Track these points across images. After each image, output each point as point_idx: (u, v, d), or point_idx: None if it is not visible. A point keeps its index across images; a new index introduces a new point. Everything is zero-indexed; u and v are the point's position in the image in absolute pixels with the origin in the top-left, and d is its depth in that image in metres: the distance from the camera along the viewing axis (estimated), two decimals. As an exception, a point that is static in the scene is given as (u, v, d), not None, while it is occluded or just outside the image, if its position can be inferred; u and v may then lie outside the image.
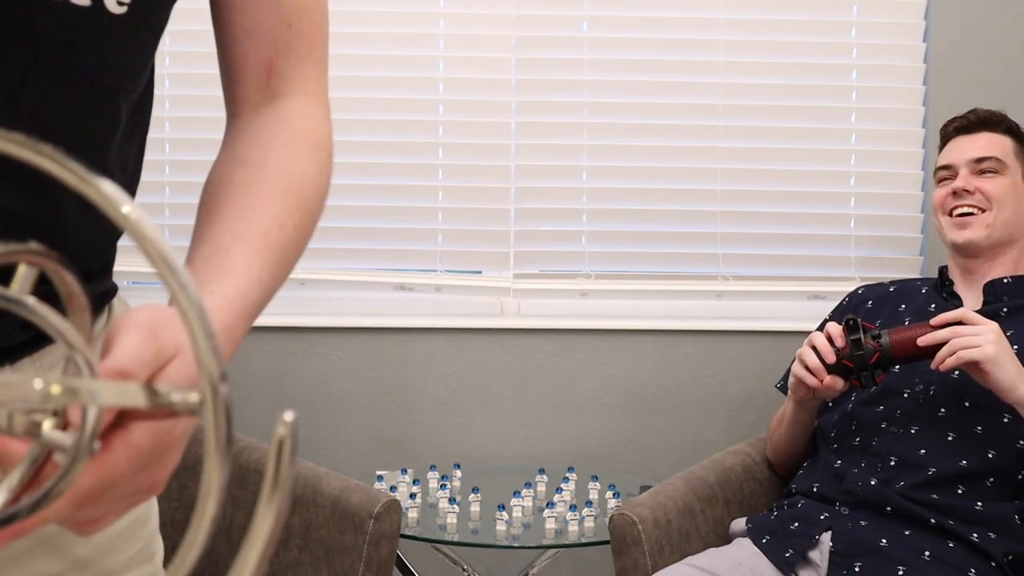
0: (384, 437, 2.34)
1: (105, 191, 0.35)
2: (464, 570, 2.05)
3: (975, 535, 1.64)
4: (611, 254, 2.41)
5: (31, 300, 0.43)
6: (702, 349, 2.35)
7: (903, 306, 1.92)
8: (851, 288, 2.08)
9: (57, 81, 0.64)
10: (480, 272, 2.43)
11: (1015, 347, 1.68)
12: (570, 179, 2.38)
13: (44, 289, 0.44)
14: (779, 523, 1.76)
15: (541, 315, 2.39)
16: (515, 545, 1.87)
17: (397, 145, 2.37)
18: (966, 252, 1.87)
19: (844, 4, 2.39)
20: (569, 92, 2.37)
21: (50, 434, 0.41)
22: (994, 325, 1.64)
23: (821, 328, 1.79)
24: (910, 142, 2.40)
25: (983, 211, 1.85)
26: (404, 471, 2.11)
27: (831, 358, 1.70)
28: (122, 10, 0.66)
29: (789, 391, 1.86)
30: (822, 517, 1.73)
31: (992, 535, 1.65)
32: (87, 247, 0.71)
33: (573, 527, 1.87)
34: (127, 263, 0.83)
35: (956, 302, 1.87)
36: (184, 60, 2.32)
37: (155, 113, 0.78)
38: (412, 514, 1.90)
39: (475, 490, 1.98)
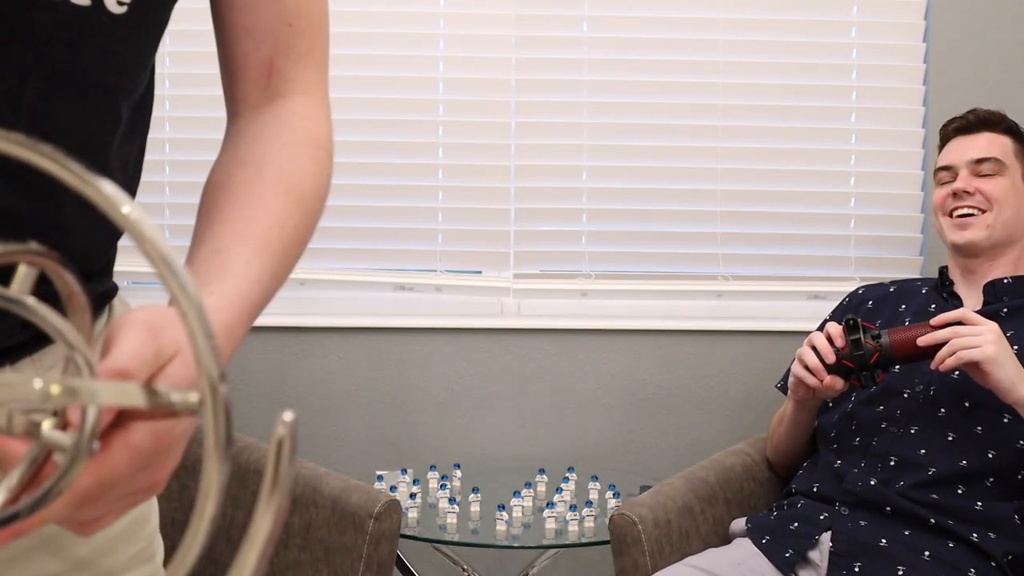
0: (384, 437, 2.34)
1: (105, 191, 0.35)
2: (464, 570, 2.05)
3: (975, 535, 1.64)
4: (611, 254, 2.40)
5: (31, 300, 0.43)
6: (702, 349, 2.35)
7: (903, 306, 1.92)
8: (851, 288, 2.08)
9: (57, 81, 0.64)
10: (480, 272, 2.43)
11: (1015, 347, 1.68)
12: (570, 179, 2.38)
13: (44, 289, 0.44)
14: (779, 523, 1.76)
15: (541, 315, 2.39)
16: (515, 545, 1.87)
17: (397, 145, 2.37)
18: (966, 252, 1.87)
19: (844, 4, 2.39)
20: (569, 92, 2.37)
21: (50, 434, 0.41)
22: (994, 325, 1.64)
23: (821, 328, 1.79)
24: (910, 142, 2.39)
25: (983, 212, 1.85)
26: (404, 471, 2.11)
27: (831, 358, 1.70)
28: (122, 10, 0.65)
29: (789, 391, 1.85)
30: (822, 517, 1.73)
31: (992, 535, 1.65)
32: (87, 247, 0.71)
33: (573, 527, 1.87)
34: (127, 263, 0.83)
35: (956, 302, 1.87)
36: (184, 60, 2.32)
37: (155, 113, 0.78)
38: (412, 514, 1.90)
39: (475, 490, 1.97)
